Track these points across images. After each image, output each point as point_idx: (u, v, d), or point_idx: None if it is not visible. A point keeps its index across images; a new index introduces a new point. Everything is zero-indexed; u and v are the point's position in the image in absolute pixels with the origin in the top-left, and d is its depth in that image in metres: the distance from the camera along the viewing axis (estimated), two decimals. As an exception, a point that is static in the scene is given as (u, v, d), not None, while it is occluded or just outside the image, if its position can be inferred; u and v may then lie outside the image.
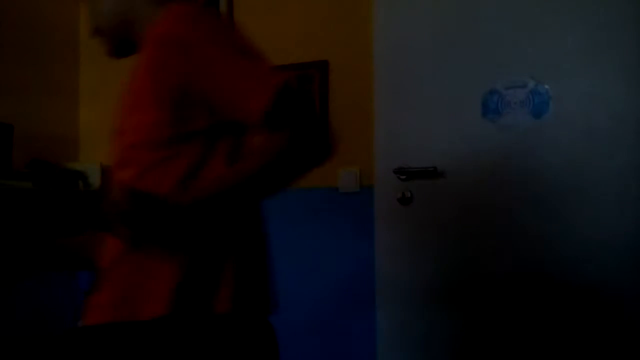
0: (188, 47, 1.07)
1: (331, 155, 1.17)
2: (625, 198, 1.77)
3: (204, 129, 1.11)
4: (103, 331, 1.13)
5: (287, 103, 1.05)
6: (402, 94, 2.10)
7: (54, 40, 2.74)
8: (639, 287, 1.74)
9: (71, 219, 2.65)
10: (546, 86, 1.89)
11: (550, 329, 1.84)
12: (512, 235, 1.91)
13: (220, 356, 1.24)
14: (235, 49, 1.13)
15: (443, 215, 2.01)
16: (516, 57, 1.93)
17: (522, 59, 1.92)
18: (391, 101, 2.12)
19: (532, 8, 1.91)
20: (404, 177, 2.07)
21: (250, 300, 1.23)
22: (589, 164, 1.81)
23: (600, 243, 1.78)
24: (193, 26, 1.09)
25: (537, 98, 1.90)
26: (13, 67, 2.53)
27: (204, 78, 1.07)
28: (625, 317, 1.75)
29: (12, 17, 2.53)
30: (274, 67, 1.16)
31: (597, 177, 1.80)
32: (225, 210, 1.14)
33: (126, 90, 1.18)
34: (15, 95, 2.52)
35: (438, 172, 2.02)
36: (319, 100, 2.33)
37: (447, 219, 2.01)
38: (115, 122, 1.21)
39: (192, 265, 1.10)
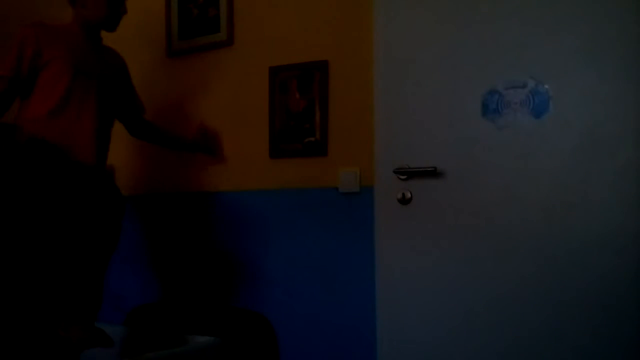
0: None
1: None
2: (625, 198, 1.77)
3: None
4: None
5: None
6: (402, 94, 2.10)
7: (54, 40, 2.73)
8: None
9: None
10: (546, 86, 1.89)
11: (550, 328, 1.84)
12: (512, 235, 1.91)
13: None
14: None
15: (443, 215, 2.01)
16: (516, 57, 1.93)
17: (522, 59, 1.92)
18: (391, 101, 2.12)
19: (532, 8, 1.91)
20: (404, 177, 2.07)
21: None
22: (589, 164, 1.81)
23: (600, 243, 1.78)
24: None
25: (537, 98, 1.90)
26: (13, 67, 2.52)
27: None
28: (625, 316, 1.75)
29: (12, 17, 2.53)
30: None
31: (597, 177, 1.80)
32: None
33: None
34: (15, 95, 2.52)
35: (438, 172, 2.02)
36: (319, 100, 2.33)
37: (447, 219, 2.01)
38: None
39: None
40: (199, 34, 2.63)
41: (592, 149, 1.81)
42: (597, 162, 1.80)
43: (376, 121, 2.14)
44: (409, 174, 2.06)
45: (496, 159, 1.94)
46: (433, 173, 2.02)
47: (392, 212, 2.09)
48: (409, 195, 2.07)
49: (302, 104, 2.37)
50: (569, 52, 1.85)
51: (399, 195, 2.08)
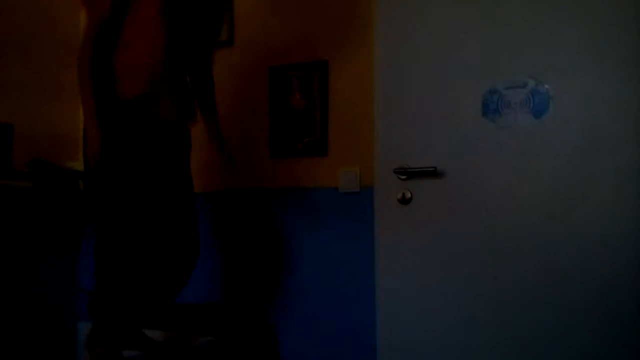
0: None
1: None
2: (625, 198, 1.77)
3: None
4: None
5: None
6: (402, 93, 2.10)
7: (54, 40, 2.73)
8: (639, 287, 1.75)
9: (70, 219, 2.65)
10: (546, 86, 1.89)
11: (551, 327, 1.84)
12: (512, 235, 1.91)
13: None
14: None
15: (443, 215, 2.01)
16: (516, 57, 1.93)
17: (522, 59, 1.92)
18: (391, 101, 2.12)
19: (532, 7, 1.91)
20: (404, 177, 2.07)
21: None
22: (589, 164, 1.82)
23: (600, 242, 1.79)
24: None
25: (537, 98, 1.90)
26: (13, 67, 2.53)
27: None
28: (624, 315, 1.75)
29: (12, 17, 2.53)
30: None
31: (597, 177, 1.80)
32: None
33: None
34: (15, 95, 2.52)
35: (438, 172, 2.02)
36: (318, 100, 2.33)
37: (447, 219, 2.01)
38: None
39: None
40: (199, 34, 2.62)
41: (592, 149, 1.81)
42: (597, 162, 1.81)
43: (376, 121, 2.14)
44: (409, 174, 2.06)
45: (496, 159, 1.94)
46: (433, 173, 2.02)
47: (392, 212, 2.09)
48: (409, 195, 2.07)
49: (302, 104, 2.37)
50: (569, 52, 1.86)
51: (399, 195, 2.08)
